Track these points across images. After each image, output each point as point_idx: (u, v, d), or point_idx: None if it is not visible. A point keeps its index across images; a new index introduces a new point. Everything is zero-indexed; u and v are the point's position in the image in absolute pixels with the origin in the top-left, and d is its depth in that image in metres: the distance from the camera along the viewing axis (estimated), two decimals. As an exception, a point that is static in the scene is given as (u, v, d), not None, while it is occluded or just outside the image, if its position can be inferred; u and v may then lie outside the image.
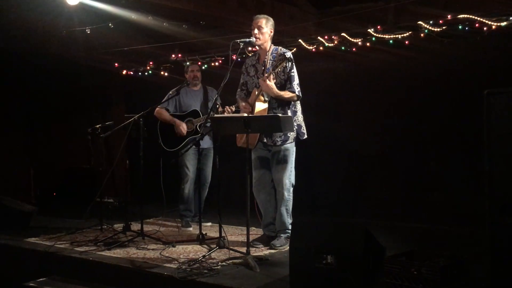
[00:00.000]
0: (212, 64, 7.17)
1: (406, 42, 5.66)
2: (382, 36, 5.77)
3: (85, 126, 6.01)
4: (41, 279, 4.37)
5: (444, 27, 5.41)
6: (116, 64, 8.11)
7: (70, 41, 7.02)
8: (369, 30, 5.84)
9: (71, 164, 8.08)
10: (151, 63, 7.90)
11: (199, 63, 7.22)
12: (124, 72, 8.24)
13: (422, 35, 5.54)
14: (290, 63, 4.53)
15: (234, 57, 4.51)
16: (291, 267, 3.59)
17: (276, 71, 4.47)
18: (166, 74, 7.75)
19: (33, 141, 8.67)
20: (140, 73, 8.14)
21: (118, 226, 5.43)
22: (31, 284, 4.29)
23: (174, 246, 4.76)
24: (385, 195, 5.96)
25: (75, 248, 4.78)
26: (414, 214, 5.69)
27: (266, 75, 4.49)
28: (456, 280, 3.16)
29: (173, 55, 7.44)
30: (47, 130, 8.60)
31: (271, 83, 4.45)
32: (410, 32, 5.61)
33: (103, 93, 8.59)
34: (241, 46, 4.51)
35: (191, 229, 5.67)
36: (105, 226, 5.53)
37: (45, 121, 8.53)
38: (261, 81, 4.52)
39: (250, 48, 6.28)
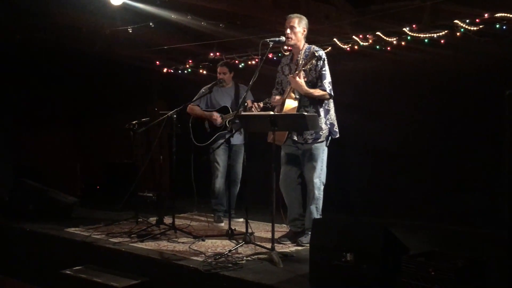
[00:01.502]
0: (249, 62, 7.27)
1: (442, 41, 5.58)
2: (417, 35, 5.70)
3: (128, 123, 6.24)
4: (77, 268, 4.57)
5: (481, 26, 5.30)
6: (157, 62, 8.35)
7: (113, 40, 7.29)
8: (404, 29, 5.79)
9: (114, 159, 8.37)
10: (190, 61, 8.09)
11: (237, 61, 7.34)
12: (165, 70, 8.46)
13: (458, 34, 5.45)
14: (321, 62, 4.57)
15: (260, 57, 4.58)
16: (311, 264, 3.65)
17: (305, 68, 4.52)
18: (204, 72, 7.92)
19: (80, 137, 9.03)
20: (180, 71, 8.34)
21: (153, 219, 5.61)
22: (67, 272, 4.48)
23: (203, 240, 4.89)
24: (413, 195, 5.91)
25: (110, 239, 4.99)
26: (442, 215, 5.62)
27: (296, 72, 4.55)
28: (473, 282, 3.13)
29: (211, 54, 7.59)
30: (93, 126, 8.93)
31: (301, 80, 4.50)
32: (446, 31, 5.53)
33: (145, 90, 8.84)
34: (271, 45, 4.58)
35: (222, 224, 5.79)
36: (140, 219, 5.73)
37: (91, 118, 8.86)
38: (290, 78, 4.58)
39: (286, 48, 6.35)
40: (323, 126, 4.63)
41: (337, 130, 4.76)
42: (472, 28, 5.35)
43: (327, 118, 4.68)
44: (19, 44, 7.37)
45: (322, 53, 4.64)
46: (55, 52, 7.71)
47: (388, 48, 6.03)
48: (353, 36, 6.21)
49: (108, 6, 5.80)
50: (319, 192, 4.69)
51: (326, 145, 4.74)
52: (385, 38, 5.95)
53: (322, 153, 4.70)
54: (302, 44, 4.75)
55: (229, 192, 5.41)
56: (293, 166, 4.79)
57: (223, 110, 5.83)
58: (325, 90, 4.58)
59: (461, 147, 5.66)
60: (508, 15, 5.11)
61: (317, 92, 4.58)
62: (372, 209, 6.07)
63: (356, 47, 6.21)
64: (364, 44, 6.12)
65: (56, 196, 6.49)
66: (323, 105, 4.68)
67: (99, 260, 4.72)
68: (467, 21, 5.37)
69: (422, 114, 5.96)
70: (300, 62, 4.67)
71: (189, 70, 8.21)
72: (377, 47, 6.09)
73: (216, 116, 5.79)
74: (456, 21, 5.43)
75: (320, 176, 4.69)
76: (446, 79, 5.75)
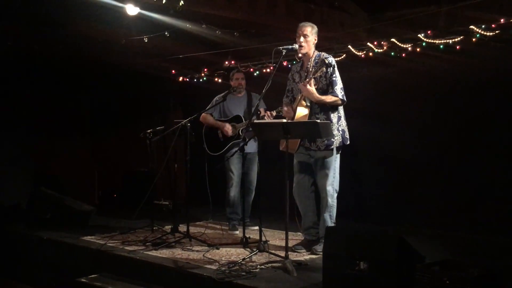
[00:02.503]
0: (264, 70, 7.29)
1: (457, 47, 5.53)
2: (432, 41, 5.67)
3: (144, 131, 6.27)
4: (92, 276, 4.62)
5: (497, 32, 5.24)
6: (173, 71, 8.41)
7: (129, 49, 7.36)
8: (419, 35, 5.75)
9: (131, 167, 8.44)
10: (205, 70, 8.14)
11: (251, 69, 7.36)
12: (181, 78, 8.53)
13: (474, 39, 5.40)
14: (331, 68, 4.56)
15: (274, 66, 4.60)
16: (324, 273, 3.63)
17: (315, 76, 4.52)
18: (219, 80, 7.96)
19: (98, 145, 9.14)
20: (195, 80, 8.39)
21: (168, 228, 5.63)
22: (82, 280, 4.54)
23: (218, 249, 4.88)
24: (429, 203, 5.84)
25: (125, 247, 5.01)
26: (459, 223, 5.54)
27: (306, 80, 4.55)
28: (489, 291, 3.08)
29: (226, 62, 7.63)
30: (110, 135, 9.04)
31: (312, 88, 4.50)
32: (461, 37, 5.48)
33: (161, 99, 8.91)
34: (284, 53, 4.58)
35: (237, 232, 5.78)
36: (156, 227, 5.75)
37: (108, 127, 8.97)
38: (301, 86, 4.59)
39: (300, 55, 6.35)
40: (335, 132, 4.62)
41: (348, 136, 4.75)
42: (488, 34, 5.29)
43: (339, 125, 4.66)
44: (36, 54, 7.49)
45: (331, 59, 4.64)
46: (72, 62, 7.83)
47: (403, 55, 5.99)
48: (368, 43, 6.19)
49: (124, 16, 5.86)
50: (332, 199, 4.66)
51: (338, 152, 4.71)
52: (399, 44, 5.92)
53: (335, 160, 4.67)
54: (312, 51, 4.76)
55: (244, 200, 5.40)
56: (306, 174, 4.78)
57: (236, 119, 5.84)
58: (337, 96, 4.57)
59: (478, 154, 5.58)
60: (525, 20, 5.05)
61: (329, 98, 4.57)
62: (387, 217, 6.01)
63: (370, 54, 6.19)
64: (379, 50, 6.10)
65: (73, 204, 6.55)
66: (335, 112, 4.67)
67: (114, 268, 4.76)
68: (483, 26, 5.31)
69: (438, 121, 5.89)
70: (311, 69, 4.66)
71: (205, 78, 8.26)
72: (392, 53, 6.05)
73: (228, 127, 5.79)
74: (471, 26, 5.38)
75: (333, 184, 4.67)
76: (462, 86, 5.68)
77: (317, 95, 4.52)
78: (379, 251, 3.40)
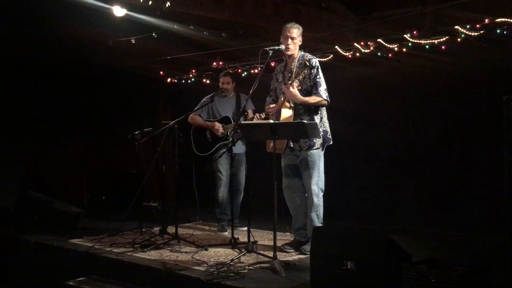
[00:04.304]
0: (252, 71, 7.30)
1: (443, 47, 5.59)
2: (418, 41, 5.71)
3: (131, 133, 6.25)
4: (80, 279, 4.59)
5: (481, 32, 5.30)
6: (161, 72, 8.40)
7: (116, 51, 7.34)
8: (405, 35, 5.79)
9: (120, 169, 8.40)
10: (193, 71, 8.13)
11: (239, 70, 7.37)
12: (169, 80, 8.52)
13: (459, 39, 5.45)
14: (315, 70, 4.59)
15: (261, 67, 4.61)
16: (312, 273, 3.65)
17: (298, 78, 4.54)
18: (208, 81, 7.96)
19: (87, 147, 9.09)
20: (183, 81, 8.39)
21: (157, 229, 5.61)
22: (70, 283, 4.50)
23: (206, 250, 4.88)
24: (416, 202, 5.89)
25: (113, 250, 4.99)
26: (446, 222, 5.59)
27: (289, 82, 4.56)
28: (474, 289, 3.11)
29: (215, 63, 7.63)
30: (99, 136, 8.99)
31: (295, 90, 4.51)
32: (446, 37, 5.53)
33: (150, 100, 8.89)
34: (270, 53, 4.60)
35: (226, 233, 5.78)
36: (144, 229, 5.74)
37: (97, 128, 8.92)
38: (284, 88, 4.61)
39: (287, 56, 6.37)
40: None
41: (330, 137, 4.76)
42: (473, 34, 5.35)
43: (321, 126, 4.67)
44: (24, 56, 7.45)
45: (315, 61, 4.66)
46: (59, 63, 7.79)
47: (390, 55, 6.04)
48: (355, 44, 6.22)
49: (111, 17, 5.84)
50: (317, 199, 4.68)
51: (322, 152, 4.72)
52: (386, 45, 5.96)
53: (319, 159, 4.69)
54: (296, 52, 4.77)
55: (232, 201, 5.41)
56: (295, 176, 4.80)
57: (224, 120, 5.85)
58: (321, 97, 4.58)
59: (464, 153, 5.64)
60: (509, 20, 5.10)
61: (312, 99, 4.59)
62: (375, 216, 6.05)
63: (357, 54, 6.22)
64: (366, 51, 6.13)
65: (61, 207, 6.52)
66: (318, 113, 4.69)
67: (102, 270, 4.72)
68: (468, 26, 5.37)
69: (424, 120, 5.95)
70: (294, 70, 4.68)
71: (193, 79, 8.25)
72: (379, 54, 6.09)
73: (218, 126, 5.81)
74: (456, 26, 5.43)
75: (318, 183, 4.68)
76: (447, 85, 5.74)
77: (300, 97, 4.54)
78: (366, 250, 3.43)
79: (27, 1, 5.70)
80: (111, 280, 4.55)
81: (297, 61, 4.73)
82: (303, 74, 4.53)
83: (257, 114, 5.22)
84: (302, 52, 4.81)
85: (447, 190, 5.73)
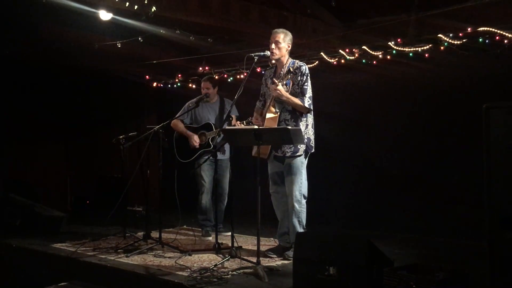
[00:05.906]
0: (238, 76, 7.32)
1: (426, 55, 5.66)
2: (402, 49, 5.78)
3: (116, 137, 6.22)
4: (61, 284, 4.56)
5: (464, 40, 5.37)
6: (147, 76, 8.39)
7: (102, 54, 7.31)
8: (389, 43, 5.86)
9: (104, 173, 8.36)
10: (179, 75, 8.13)
11: (225, 75, 7.38)
12: (155, 84, 8.50)
13: (442, 48, 5.53)
14: (304, 77, 4.63)
15: (246, 72, 4.63)
16: (295, 278, 3.66)
17: (286, 80, 4.56)
18: (194, 86, 7.95)
19: (71, 151, 9.03)
20: (169, 85, 8.38)
21: (140, 234, 5.59)
22: (51, 288, 4.48)
23: (190, 255, 4.87)
24: (399, 208, 5.94)
25: (96, 255, 4.96)
26: (428, 227, 5.65)
27: (277, 81, 4.60)
28: (454, 294, 3.15)
29: (200, 68, 7.64)
30: (83, 140, 8.94)
31: (280, 86, 4.54)
32: (430, 45, 5.60)
33: (135, 104, 8.87)
34: (256, 59, 4.62)
35: (210, 238, 5.78)
36: (128, 234, 5.71)
37: (81, 132, 8.87)
38: (272, 88, 4.63)
39: (273, 61, 6.40)
40: None
41: (313, 145, 4.80)
42: (455, 42, 5.42)
43: (306, 133, 4.70)
44: (8, 58, 7.39)
45: (306, 68, 4.71)
46: (44, 66, 7.74)
47: (374, 62, 6.10)
48: (340, 50, 6.27)
49: (97, 21, 5.83)
50: (299, 205, 4.69)
51: (304, 158, 4.75)
52: (371, 52, 6.02)
53: (301, 165, 4.72)
54: (286, 58, 4.80)
55: (216, 207, 5.40)
56: (282, 182, 4.82)
57: (206, 127, 5.81)
58: (303, 103, 4.61)
59: (445, 159, 5.71)
60: (490, 29, 5.18)
61: (297, 100, 4.62)
62: (358, 222, 6.09)
63: (342, 61, 6.28)
64: (351, 58, 6.19)
65: (44, 211, 6.47)
66: (303, 120, 4.72)
67: (85, 275, 4.70)
68: (451, 35, 5.45)
69: (407, 127, 6.01)
70: (283, 76, 4.71)
71: (179, 84, 8.25)
72: (363, 61, 6.15)
73: (195, 140, 5.73)
74: (440, 35, 5.50)
75: (300, 190, 4.70)
76: (430, 92, 5.82)
77: (286, 94, 4.57)
78: (348, 256, 3.45)
79: (11, 3, 5.67)
80: (94, 285, 4.53)
81: (286, 67, 4.75)
82: (288, 77, 4.57)
83: (238, 122, 5.21)
84: (293, 60, 4.82)
85: (428, 196, 5.79)
